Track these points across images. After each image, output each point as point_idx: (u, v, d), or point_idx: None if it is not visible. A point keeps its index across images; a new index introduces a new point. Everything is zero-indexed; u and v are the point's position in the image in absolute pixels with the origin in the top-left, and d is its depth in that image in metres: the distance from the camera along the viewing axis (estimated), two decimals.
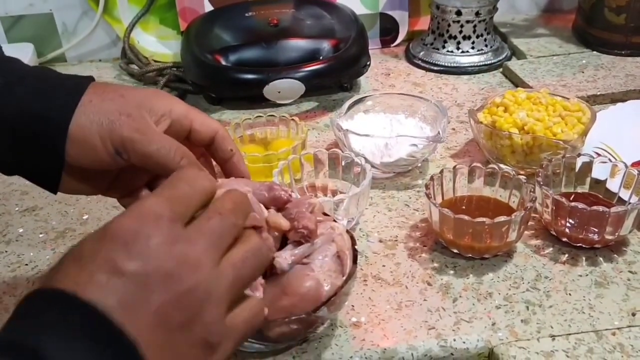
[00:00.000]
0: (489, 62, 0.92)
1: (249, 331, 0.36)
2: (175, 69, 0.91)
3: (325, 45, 0.86)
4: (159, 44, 0.98)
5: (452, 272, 0.56)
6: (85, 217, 0.66)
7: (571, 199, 0.57)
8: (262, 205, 0.45)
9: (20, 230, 0.64)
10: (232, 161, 0.51)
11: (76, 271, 0.30)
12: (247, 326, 0.35)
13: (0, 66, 0.46)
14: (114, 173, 0.49)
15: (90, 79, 0.47)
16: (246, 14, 0.89)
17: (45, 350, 0.27)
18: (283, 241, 0.46)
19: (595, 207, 0.54)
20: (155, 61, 0.95)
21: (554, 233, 0.59)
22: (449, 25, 0.92)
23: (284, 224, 0.45)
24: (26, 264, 0.60)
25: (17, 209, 0.68)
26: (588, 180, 0.62)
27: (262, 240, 0.37)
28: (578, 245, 0.58)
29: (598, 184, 0.62)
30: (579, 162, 0.62)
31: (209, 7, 0.94)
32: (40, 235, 0.63)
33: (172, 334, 0.31)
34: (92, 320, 0.29)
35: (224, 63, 0.84)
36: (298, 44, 0.86)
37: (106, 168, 0.46)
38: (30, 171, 0.47)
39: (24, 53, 0.93)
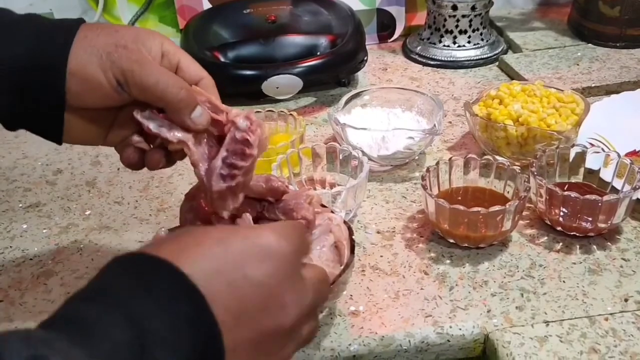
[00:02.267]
0: (485, 56, 0.93)
1: None
2: None
3: (323, 41, 0.87)
4: None
5: (448, 261, 0.57)
6: (87, 212, 0.67)
7: (565, 188, 0.58)
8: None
9: (24, 226, 0.65)
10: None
11: (214, 255, 0.31)
12: None
13: None
14: (112, 117, 0.48)
15: (81, 20, 0.46)
16: (244, 11, 0.90)
17: (150, 323, 0.27)
18: None
19: (588, 196, 0.55)
20: None
21: (548, 222, 0.60)
22: (445, 20, 0.93)
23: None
24: (30, 259, 0.61)
25: (20, 205, 0.69)
26: (582, 170, 0.63)
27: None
28: (572, 233, 0.59)
29: (591, 173, 0.63)
30: (572, 152, 0.63)
31: (207, 5, 0.95)
32: (44, 231, 0.64)
33: (258, 356, 0.32)
34: (202, 316, 0.29)
35: (222, 60, 0.85)
36: (296, 40, 0.87)
37: (107, 104, 0.45)
38: (32, 118, 0.46)
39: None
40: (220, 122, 0.46)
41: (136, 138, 0.47)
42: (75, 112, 0.45)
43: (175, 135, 0.44)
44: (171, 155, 0.48)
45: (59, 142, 0.47)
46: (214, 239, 0.32)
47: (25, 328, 0.26)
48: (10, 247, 0.63)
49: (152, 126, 0.44)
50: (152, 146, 0.48)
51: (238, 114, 0.46)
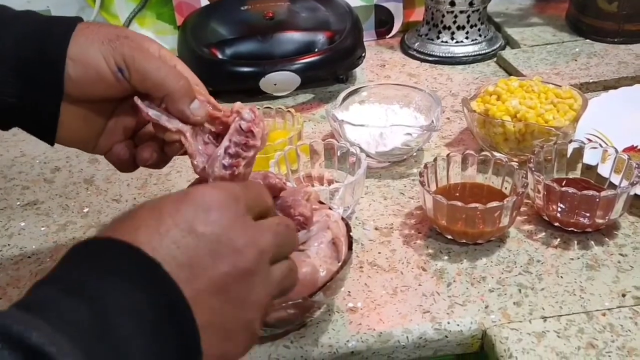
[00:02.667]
0: (483, 52, 0.93)
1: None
2: None
3: (321, 37, 0.87)
4: (156, 39, 0.99)
5: (446, 257, 0.57)
6: (85, 210, 0.67)
7: (563, 184, 0.58)
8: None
9: (22, 224, 0.65)
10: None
11: (155, 222, 0.32)
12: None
13: None
14: (106, 118, 0.48)
15: (79, 18, 0.47)
16: (241, 8, 0.90)
17: (105, 297, 0.29)
18: None
19: (585, 192, 0.56)
20: None
21: (546, 218, 0.60)
22: (443, 15, 0.93)
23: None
24: (29, 257, 0.61)
25: (18, 203, 0.69)
26: (579, 166, 0.63)
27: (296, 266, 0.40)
28: (570, 229, 0.59)
29: (589, 169, 0.63)
30: (570, 148, 0.63)
31: (204, 2, 0.95)
32: (42, 229, 0.64)
33: (225, 305, 0.33)
34: (155, 277, 0.30)
35: (220, 57, 0.85)
36: (293, 37, 0.87)
37: (106, 93, 0.45)
38: (28, 112, 0.45)
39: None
40: (218, 119, 0.46)
41: (137, 101, 0.46)
42: (72, 104, 0.45)
43: (174, 123, 0.45)
44: (163, 151, 0.48)
45: (52, 142, 0.47)
46: (147, 209, 0.33)
47: None
48: (9, 245, 0.63)
49: (151, 113, 0.45)
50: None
51: (242, 107, 0.46)
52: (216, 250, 0.32)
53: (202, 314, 0.31)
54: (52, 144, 0.48)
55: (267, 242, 0.35)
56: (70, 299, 0.28)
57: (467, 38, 0.93)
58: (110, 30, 0.45)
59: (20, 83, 0.44)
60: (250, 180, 0.45)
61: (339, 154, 0.65)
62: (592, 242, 0.58)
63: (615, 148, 0.61)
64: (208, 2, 0.94)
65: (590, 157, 0.62)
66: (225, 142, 0.45)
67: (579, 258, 0.56)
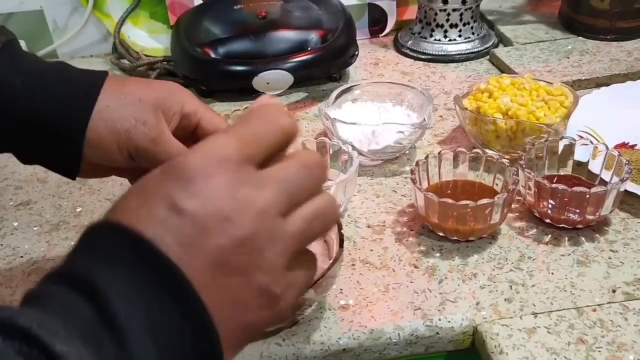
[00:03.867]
0: (476, 50, 0.93)
1: (307, 286, 0.35)
2: (165, 62, 0.92)
3: (313, 36, 0.87)
4: (150, 38, 0.99)
5: (438, 254, 0.58)
6: (78, 209, 0.67)
7: (554, 181, 0.58)
8: None
9: (15, 224, 0.65)
10: None
11: (138, 204, 0.30)
12: (307, 280, 0.35)
13: (17, 63, 0.46)
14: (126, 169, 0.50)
15: (104, 75, 0.47)
16: (234, 7, 0.90)
17: (102, 284, 0.28)
18: None
19: (575, 188, 0.56)
20: (146, 55, 0.95)
21: (537, 215, 0.60)
22: (436, 14, 0.93)
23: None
24: (21, 256, 0.61)
25: (11, 203, 0.69)
26: (570, 162, 0.63)
27: (334, 198, 0.35)
28: (560, 226, 0.59)
29: (580, 166, 0.63)
30: (561, 145, 0.63)
31: (198, 1, 0.95)
32: (35, 229, 0.65)
33: (229, 278, 0.30)
34: (148, 258, 0.29)
35: (213, 56, 0.85)
36: (286, 36, 0.87)
37: (120, 166, 0.49)
38: (49, 164, 0.49)
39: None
40: None
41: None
42: (90, 164, 0.48)
43: None
44: None
45: (73, 179, 0.50)
46: (135, 188, 0.32)
47: None
48: (1, 245, 0.63)
49: None
50: None
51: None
52: (204, 225, 0.30)
53: (208, 292, 0.29)
54: (73, 179, 0.50)
55: (267, 198, 0.31)
56: (77, 298, 0.28)
57: (460, 36, 0.94)
58: (130, 111, 0.46)
59: (39, 147, 0.47)
60: (258, 107, 0.36)
61: (331, 152, 0.66)
62: (583, 239, 0.58)
63: (606, 145, 0.62)
64: (201, 1, 0.94)
65: (581, 153, 0.63)
66: None
67: (569, 254, 0.57)
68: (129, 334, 0.27)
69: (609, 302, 0.51)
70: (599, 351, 0.47)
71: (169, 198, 0.30)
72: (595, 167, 0.62)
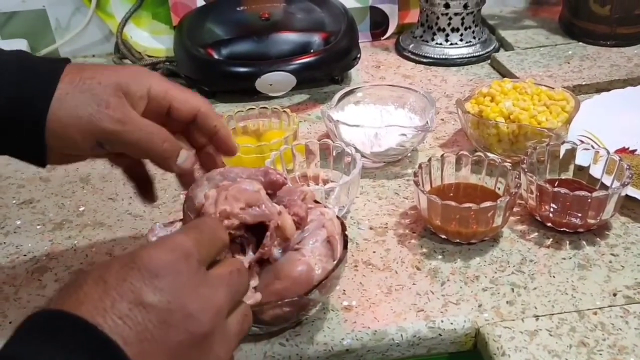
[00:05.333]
0: (477, 54, 0.94)
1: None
2: (168, 63, 0.92)
3: (316, 38, 0.87)
4: (152, 39, 0.99)
5: (440, 257, 0.58)
6: (81, 208, 0.67)
7: (555, 185, 0.58)
8: (274, 210, 0.46)
9: (18, 222, 0.65)
10: (218, 137, 0.50)
11: (99, 295, 0.30)
12: None
13: None
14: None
15: (65, 61, 0.46)
16: (237, 8, 0.91)
17: None
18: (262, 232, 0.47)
19: (577, 192, 0.56)
20: (149, 56, 0.96)
21: (538, 218, 0.61)
22: (438, 18, 0.93)
23: (290, 233, 0.47)
24: (24, 255, 0.61)
25: (14, 201, 0.69)
26: (572, 167, 0.64)
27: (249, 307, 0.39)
28: (562, 229, 0.59)
29: (581, 170, 0.63)
30: (562, 149, 0.63)
31: (200, 2, 0.95)
32: (38, 227, 0.65)
33: None
34: (104, 353, 0.29)
35: (216, 57, 0.85)
36: (289, 38, 0.87)
37: (87, 156, 0.48)
38: (15, 154, 0.47)
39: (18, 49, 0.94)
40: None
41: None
42: (56, 152, 0.46)
43: None
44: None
45: (43, 167, 0.48)
46: (93, 279, 0.31)
47: None
48: (4, 243, 0.63)
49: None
50: None
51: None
52: (167, 320, 0.31)
53: None
54: (43, 167, 0.48)
55: (222, 299, 0.34)
56: None
57: (461, 40, 0.94)
58: (90, 96, 0.43)
59: (2, 137, 0.45)
60: (202, 218, 0.42)
61: (334, 154, 0.66)
62: (584, 242, 0.59)
63: (607, 149, 0.62)
64: (204, 2, 0.95)
65: (582, 158, 0.63)
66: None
67: (570, 258, 0.57)
68: None
69: (610, 306, 0.52)
70: (600, 354, 0.47)
71: (134, 292, 0.30)
72: (596, 171, 0.62)
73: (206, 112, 0.48)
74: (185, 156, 0.47)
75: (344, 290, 0.54)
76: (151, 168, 0.72)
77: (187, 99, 0.47)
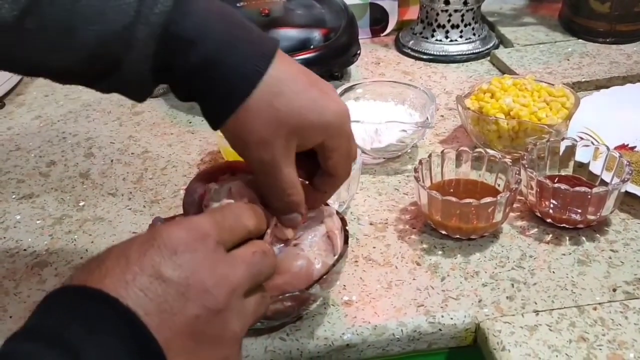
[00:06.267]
0: (477, 51, 0.94)
1: None
2: None
3: (316, 34, 0.87)
4: None
5: (440, 252, 0.58)
6: (81, 203, 0.67)
7: (555, 181, 0.58)
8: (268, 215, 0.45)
9: (18, 217, 0.65)
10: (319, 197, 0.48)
11: (121, 269, 0.32)
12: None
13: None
14: None
15: (275, 45, 0.42)
16: (237, 4, 0.90)
17: (84, 349, 0.29)
18: None
19: (577, 188, 0.56)
20: None
21: (538, 214, 0.61)
22: (438, 14, 0.93)
23: (289, 234, 0.46)
24: (24, 249, 0.61)
25: (13, 196, 0.69)
26: (572, 163, 0.64)
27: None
28: (562, 225, 0.60)
29: (581, 167, 0.63)
30: (562, 145, 0.63)
31: None
32: (38, 222, 0.65)
33: (199, 345, 0.33)
34: (126, 323, 0.30)
35: None
36: (289, 34, 0.87)
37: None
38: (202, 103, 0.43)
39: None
40: None
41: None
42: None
43: None
44: None
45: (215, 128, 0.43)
46: (114, 255, 0.33)
47: None
48: (4, 237, 0.63)
49: None
50: None
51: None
52: (185, 294, 0.32)
53: (177, 357, 0.31)
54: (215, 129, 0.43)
55: (239, 277, 0.35)
56: (51, 351, 0.28)
57: (461, 37, 0.94)
58: (274, 123, 0.40)
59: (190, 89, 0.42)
60: (230, 204, 0.42)
61: None
62: (584, 238, 0.59)
63: (606, 146, 0.62)
64: None
65: (582, 154, 0.63)
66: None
67: (570, 254, 0.57)
68: None
69: (609, 301, 0.52)
70: (600, 349, 0.48)
71: (154, 266, 0.32)
72: (596, 168, 0.62)
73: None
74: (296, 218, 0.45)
75: (344, 285, 0.54)
76: (150, 166, 0.73)
77: (345, 164, 0.46)
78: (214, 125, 0.42)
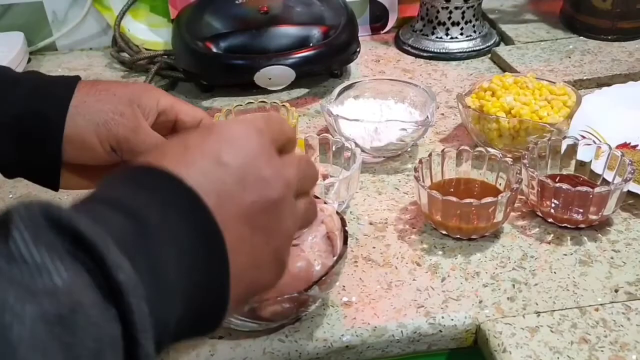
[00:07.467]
0: (477, 48, 0.93)
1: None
2: (166, 56, 0.91)
3: (315, 32, 0.86)
4: (150, 32, 0.98)
5: (440, 252, 0.57)
6: None
7: (557, 180, 0.58)
8: None
9: None
10: None
11: (181, 152, 0.32)
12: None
13: None
14: (108, 168, 0.51)
15: (77, 78, 0.49)
16: (236, 1, 0.89)
17: (148, 217, 0.29)
18: None
19: (579, 188, 0.56)
20: (147, 49, 0.95)
21: (539, 214, 0.60)
22: (438, 11, 0.93)
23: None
24: None
25: (10, 196, 0.68)
26: (573, 162, 0.63)
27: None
28: (563, 225, 0.59)
29: (583, 165, 0.63)
30: (564, 144, 0.63)
31: None
32: None
33: (254, 232, 0.33)
34: (190, 202, 0.31)
35: (214, 50, 0.84)
36: (288, 31, 0.86)
37: (101, 163, 0.49)
38: (30, 171, 0.50)
39: (14, 42, 0.93)
40: None
41: None
42: (71, 168, 0.49)
43: None
44: None
45: (56, 190, 0.51)
46: (174, 141, 0.34)
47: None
48: None
49: None
50: None
51: None
52: (243, 180, 0.33)
53: (231, 240, 0.31)
54: (56, 190, 0.51)
55: (291, 175, 0.35)
56: (115, 214, 0.28)
57: (461, 34, 0.93)
58: (106, 105, 0.47)
59: (18, 153, 0.48)
60: (269, 113, 0.45)
61: (333, 149, 0.65)
62: (585, 238, 0.58)
63: (608, 145, 0.62)
64: None
65: (583, 153, 0.63)
66: None
67: (572, 254, 0.57)
68: (162, 255, 0.28)
69: (611, 302, 0.51)
70: (602, 351, 0.47)
71: (214, 152, 0.32)
72: (598, 167, 0.62)
73: (207, 123, 0.52)
74: None
75: (344, 286, 0.54)
76: None
77: (190, 110, 0.52)
78: None
